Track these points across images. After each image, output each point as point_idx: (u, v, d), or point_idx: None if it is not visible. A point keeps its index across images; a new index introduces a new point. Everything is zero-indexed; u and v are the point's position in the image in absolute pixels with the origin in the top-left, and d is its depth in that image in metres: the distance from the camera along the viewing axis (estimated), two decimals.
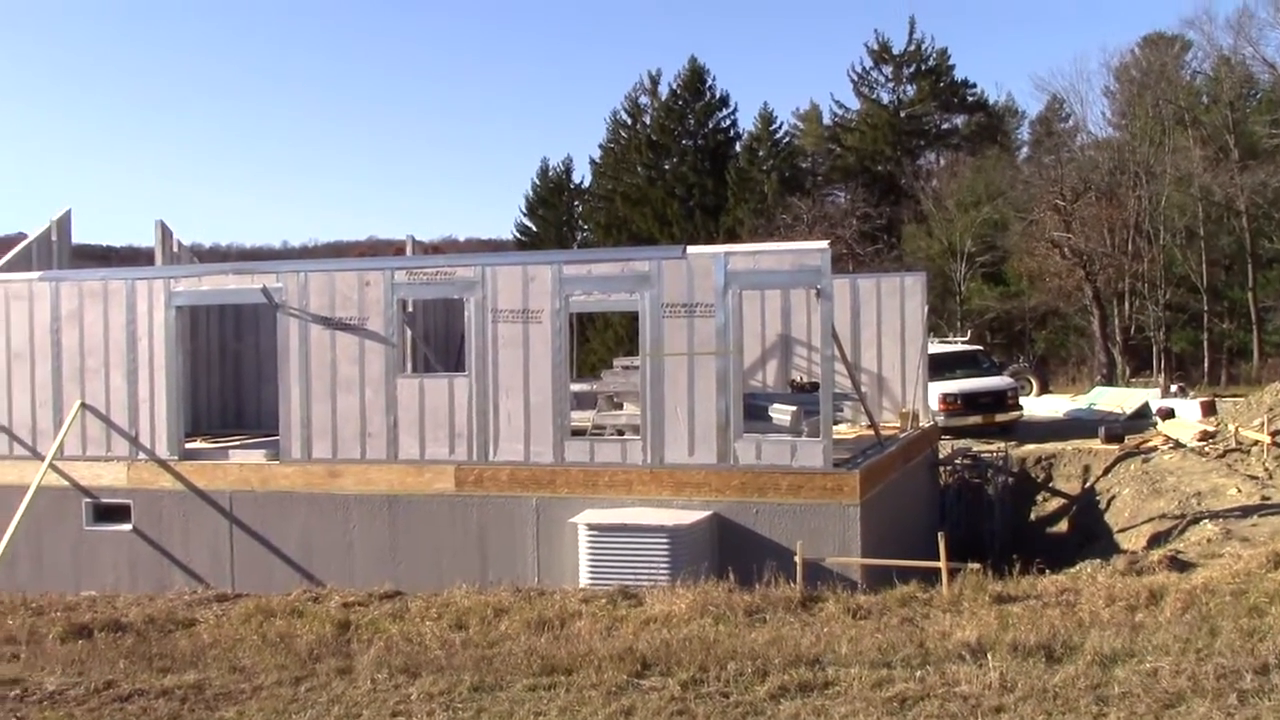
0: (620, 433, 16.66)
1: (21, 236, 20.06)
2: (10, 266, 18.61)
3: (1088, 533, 19.79)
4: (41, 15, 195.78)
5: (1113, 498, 20.28)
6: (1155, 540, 15.92)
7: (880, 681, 7.99)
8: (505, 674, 8.71)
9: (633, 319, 15.48)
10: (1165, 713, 7.19)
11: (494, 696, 8.21)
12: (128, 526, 17.21)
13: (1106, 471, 22.05)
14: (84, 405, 17.46)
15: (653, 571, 13.72)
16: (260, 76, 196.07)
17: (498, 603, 11.81)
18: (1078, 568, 12.91)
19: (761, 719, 7.53)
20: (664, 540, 14.05)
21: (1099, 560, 13.30)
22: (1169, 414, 26.03)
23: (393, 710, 8.04)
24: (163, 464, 17.13)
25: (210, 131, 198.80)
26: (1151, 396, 29.40)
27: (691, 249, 15.48)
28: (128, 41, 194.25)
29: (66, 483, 17.43)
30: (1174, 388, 31.79)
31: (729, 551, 14.38)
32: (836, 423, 18.03)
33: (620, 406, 17.93)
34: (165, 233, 21.96)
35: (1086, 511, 21.02)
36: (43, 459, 17.29)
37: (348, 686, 8.65)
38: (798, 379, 21.46)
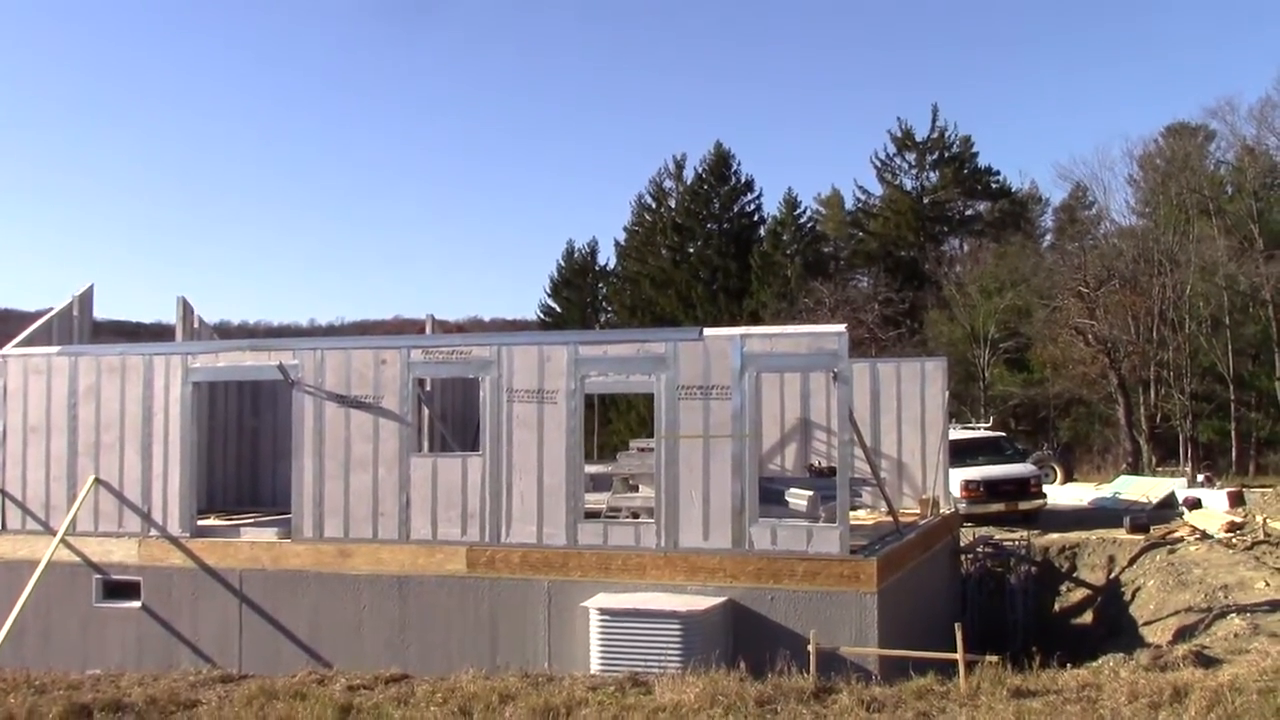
0: (635, 515, 16.47)
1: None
2: (31, 341, 18.69)
3: (1112, 625, 19.36)
4: (70, 92, 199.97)
5: (1138, 589, 19.86)
6: (1181, 634, 15.54)
7: None
8: None
9: (654, 401, 15.37)
10: None
11: None
12: (137, 604, 17.06)
13: (1132, 562, 21.64)
14: (98, 480, 17.41)
15: (664, 658, 13.43)
16: (290, 157, 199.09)
17: (504, 689, 11.55)
18: (1100, 662, 12.57)
19: None
20: (676, 627, 13.78)
21: (1122, 654, 12.95)
22: (1196, 504, 25.62)
23: None
24: (174, 541, 17.02)
25: (240, 211, 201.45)
26: (1178, 486, 28.98)
27: (708, 331, 15.41)
28: (159, 123, 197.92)
29: (77, 558, 17.32)
30: (1201, 477, 31.35)
31: (742, 639, 14.11)
32: (855, 508, 17.81)
33: (636, 489, 17.76)
34: (187, 309, 22.09)
35: (1111, 603, 20.58)
36: (55, 534, 17.21)
37: None
38: (816, 463, 21.26)
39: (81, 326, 19.93)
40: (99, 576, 17.29)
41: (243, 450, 22.72)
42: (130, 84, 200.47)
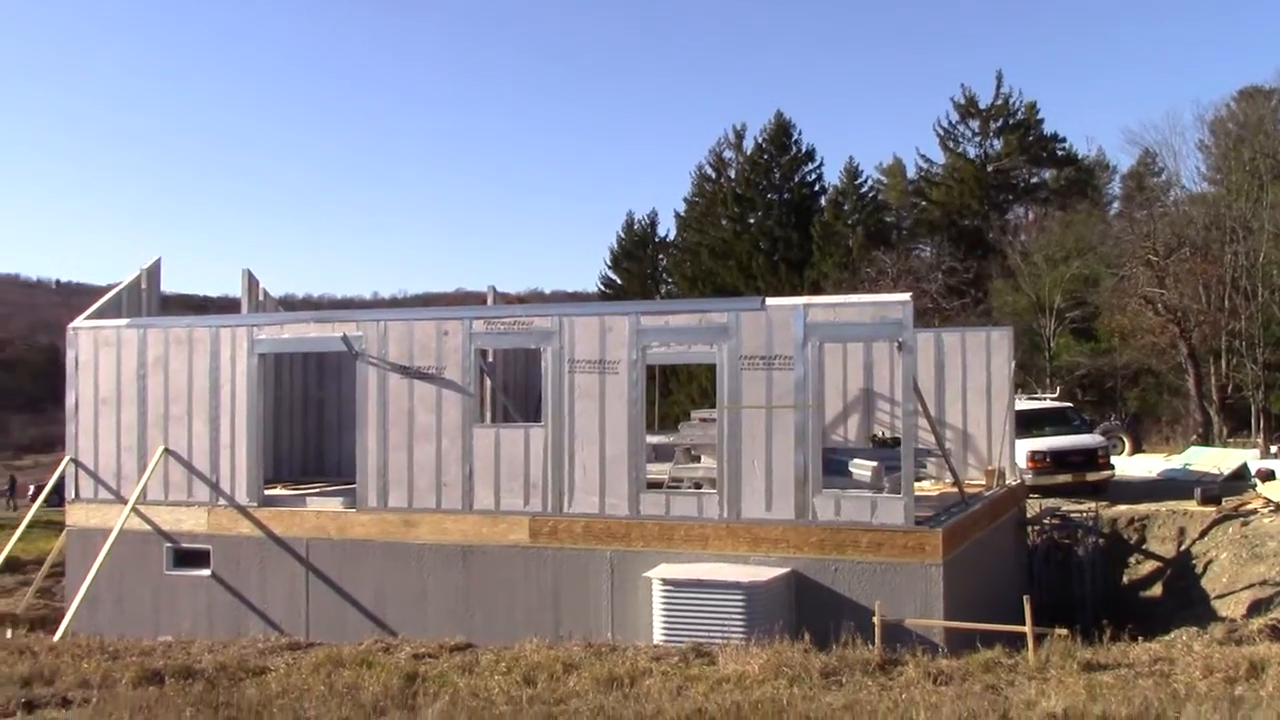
0: (697, 486, 16.41)
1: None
2: (100, 314, 18.97)
3: (1183, 598, 19.02)
4: (142, 70, 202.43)
5: (1209, 562, 19.49)
6: (1255, 608, 15.22)
7: None
8: None
9: (715, 371, 15.29)
10: None
11: None
12: (206, 572, 17.34)
13: (1203, 534, 21.22)
14: (167, 451, 17.67)
15: (727, 629, 13.41)
16: (354, 132, 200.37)
17: (568, 658, 11.57)
18: (1172, 635, 12.37)
19: None
20: (739, 597, 13.74)
21: (1195, 628, 12.73)
22: (1269, 475, 25.02)
23: None
24: (242, 510, 17.25)
25: (308, 186, 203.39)
26: (1250, 457, 28.32)
27: (770, 300, 15.28)
28: (229, 100, 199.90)
29: (149, 527, 17.63)
30: (1274, 448, 30.66)
31: (806, 610, 14.04)
32: (919, 479, 17.61)
33: (698, 459, 17.69)
34: (252, 282, 22.29)
35: (1182, 576, 20.22)
36: (126, 503, 17.51)
37: None
38: (880, 434, 21.06)
39: (150, 299, 20.19)
40: (169, 545, 17.59)
41: (308, 421, 22.95)
42: (200, 62, 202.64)
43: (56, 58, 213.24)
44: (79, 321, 18.75)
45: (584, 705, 9.41)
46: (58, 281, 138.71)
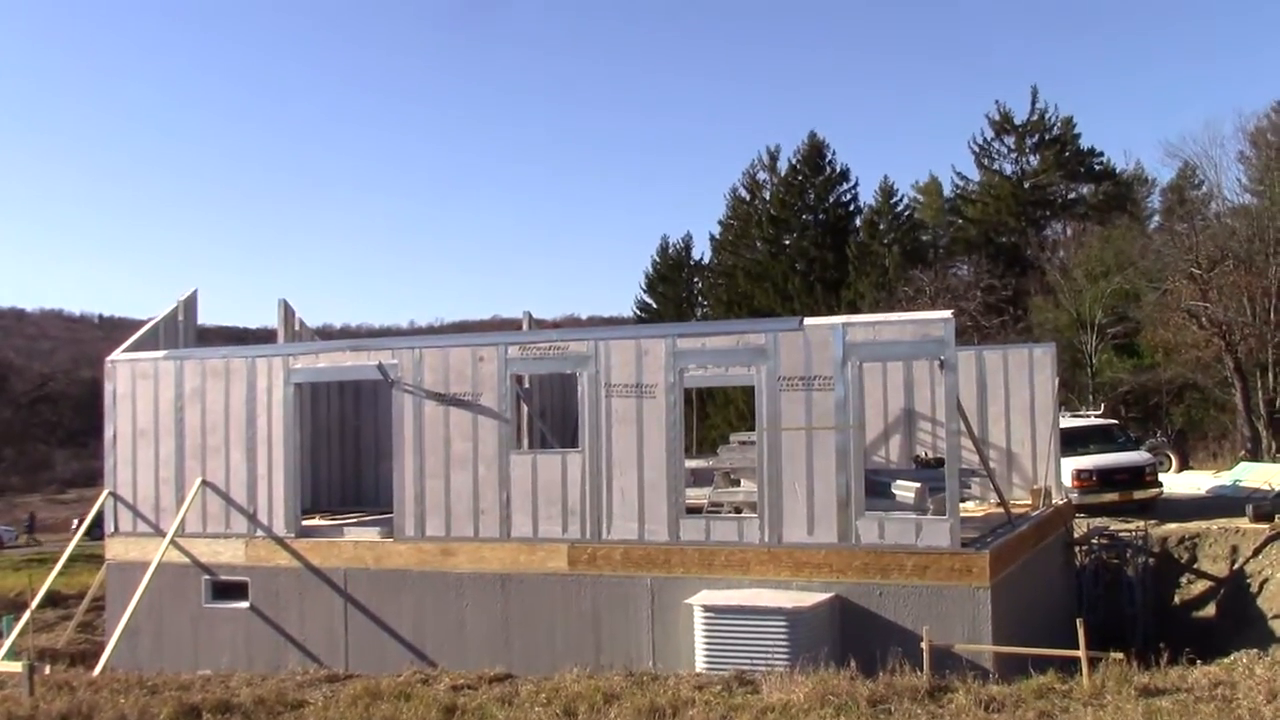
0: (738, 510, 16.17)
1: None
2: (138, 346, 19.01)
3: (1239, 618, 18.53)
4: (177, 101, 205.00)
5: (1265, 580, 18.99)
6: None
7: None
8: None
9: (753, 394, 15.07)
10: None
11: None
12: (245, 604, 17.26)
13: (1257, 552, 20.69)
14: (205, 482, 17.63)
15: (771, 656, 13.14)
16: (390, 162, 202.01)
17: (609, 688, 11.37)
18: (1231, 658, 11.97)
19: None
20: (783, 623, 13.48)
21: (1255, 650, 12.32)
22: None
23: None
24: (280, 541, 17.18)
25: (343, 218, 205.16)
26: None
27: (809, 320, 15.07)
28: (262, 134, 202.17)
29: (186, 559, 17.58)
30: None
31: (851, 636, 13.75)
32: (964, 500, 17.30)
33: (737, 483, 17.43)
34: (288, 312, 22.30)
35: (1236, 596, 19.71)
36: (164, 535, 17.47)
37: None
38: (922, 454, 20.73)
39: (186, 330, 20.22)
40: (207, 577, 17.53)
41: (345, 450, 22.90)
42: (243, 90, 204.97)
43: (100, 87, 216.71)
44: (117, 354, 18.79)
45: None
46: (100, 316, 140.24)
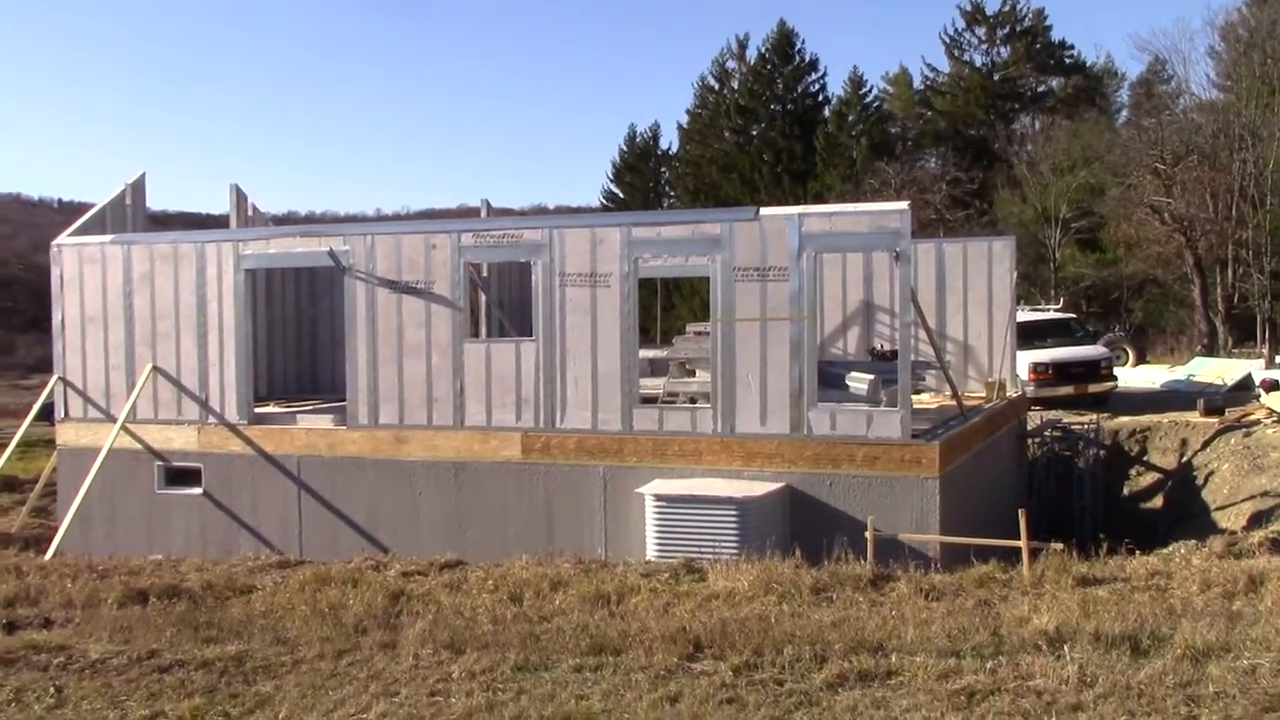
0: (692, 401, 16.18)
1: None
2: (84, 230, 18.62)
3: (1183, 510, 18.87)
4: None
5: (1211, 473, 19.30)
6: (1256, 520, 15.06)
7: (947, 672, 7.44)
8: (552, 652, 8.33)
9: (710, 284, 14.96)
10: (1264, 716, 6.54)
11: (537, 677, 7.83)
12: (198, 490, 17.21)
13: (1205, 446, 21.01)
14: (155, 368, 17.44)
15: (720, 545, 13.25)
16: (356, 45, 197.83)
17: (556, 575, 11.42)
18: (1170, 548, 12.14)
19: (816, 709, 7.03)
20: (733, 512, 13.58)
21: (1194, 541, 12.51)
22: (1273, 386, 24.75)
23: (431, 689, 7.70)
24: (232, 428, 17.07)
25: (306, 101, 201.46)
26: (1255, 368, 28.05)
27: (765, 210, 14.90)
28: (220, 18, 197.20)
29: (139, 445, 17.47)
30: (1279, 358, 30.36)
31: (800, 525, 13.88)
32: (918, 392, 17.41)
33: (693, 373, 17.43)
34: (240, 197, 21.91)
35: (1182, 488, 20.06)
36: (115, 421, 17.33)
37: (389, 662, 8.34)
38: (879, 347, 20.78)
39: (135, 214, 19.83)
40: (160, 463, 17.44)
41: (301, 338, 22.73)
42: None
43: None
44: (63, 238, 18.41)
45: (567, 623, 9.25)
46: (60, 200, 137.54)
